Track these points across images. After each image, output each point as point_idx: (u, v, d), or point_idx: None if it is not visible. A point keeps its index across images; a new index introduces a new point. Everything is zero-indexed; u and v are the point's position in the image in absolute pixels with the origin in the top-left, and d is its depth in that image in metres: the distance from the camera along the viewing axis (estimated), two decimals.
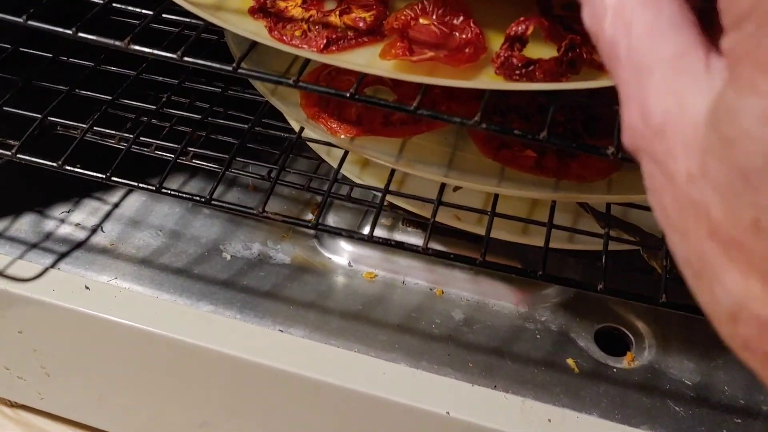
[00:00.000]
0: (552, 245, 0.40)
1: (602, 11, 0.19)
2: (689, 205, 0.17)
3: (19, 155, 0.41)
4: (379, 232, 0.54)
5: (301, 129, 0.46)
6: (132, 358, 0.52)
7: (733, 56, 0.16)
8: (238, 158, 0.44)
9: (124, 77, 0.50)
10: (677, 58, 0.18)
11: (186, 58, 0.34)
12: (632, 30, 0.18)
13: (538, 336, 0.50)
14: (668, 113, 0.17)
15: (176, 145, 0.48)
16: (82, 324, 0.50)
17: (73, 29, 0.33)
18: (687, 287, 0.18)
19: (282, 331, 0.49)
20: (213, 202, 0.39)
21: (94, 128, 0.44)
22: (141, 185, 0.40)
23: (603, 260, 0.37)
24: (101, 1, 0.35)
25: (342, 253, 0.55)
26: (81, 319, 0.50)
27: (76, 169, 0.40)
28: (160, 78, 0.50)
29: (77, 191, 0.58)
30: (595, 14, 0.19)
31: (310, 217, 0.57)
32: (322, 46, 0.34)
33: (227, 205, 0.40)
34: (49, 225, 0.56)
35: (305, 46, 0.34)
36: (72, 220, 0.56)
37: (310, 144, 0.48)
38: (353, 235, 0.38)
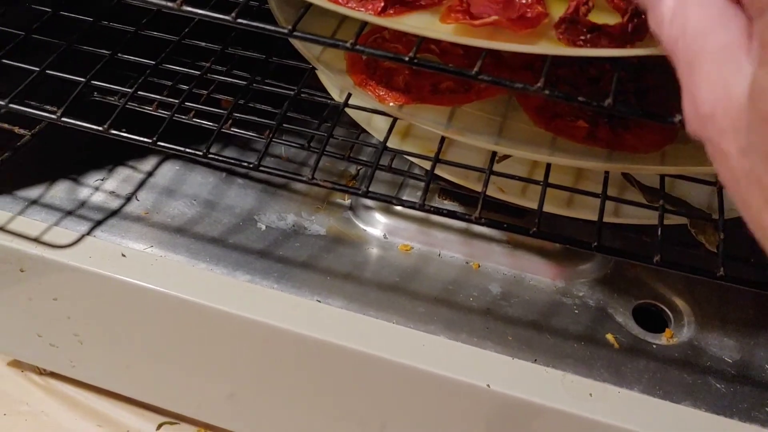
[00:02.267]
0: (594, 219, 0.39)
1: (662, 15, 0.21)
2: (744, 177, 0.19)
3: (63, 118, 0.40)
4: None
5: (348, 95, 0.45)
6: (166, 327, 0.52)
7: (761, 41, 0.19)
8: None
9: (163, 43, 0.49)
10: (722, 49, 0.20)
11: (240, 20, 0.33)
12: (686, 29, 0.21)
13: (576, 311, 0.50)
14: (716, 100, 0.19)
15: (216, 110, 0.47)
16: (118, 291, 0.50)
17: None
18: (738, 263, 0.22)
19: (320, 301, 0.48)
20: (261, 168, 0.38)
21: (134, 94, 0.44)
22: (188, 150, 0.40)
23: (659, 232, 0.36)
24: None
25: (377, 225, 0.54)
26: (117, 286, 0.50)
27: (122, 134, 0.40)
28: (203, 44, 0.50)
29: (111, 160, 0.58)
30: (657, 18, 0.22)
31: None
32: (379, 9, 0.33)
33: (277, 171, 0.39)
34: (84, 193, 0.55)
35: (362, 9, 0.33)
36: (106, 188, 0.56)
37: (351, 113, 0.47)
38: (404, 204, 0.38)
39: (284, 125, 0.43)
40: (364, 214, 0.55)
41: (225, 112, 0.46)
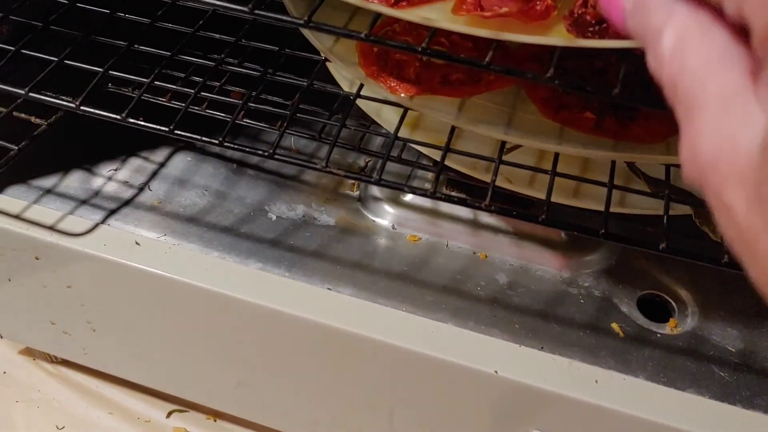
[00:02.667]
0: (600, 209, 0.40)
1: (661, 55, 0.20)
2: (752, 237, 0.17)
3: (82, 107, 0.41)
4: (423, 198, 0.55)
5: (360, 87, 0.46)
6: (178, 315, 0.53)
7: None
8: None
9: (175, 35, 0.50)
10: (726, 94, 0.18)
11: (257, 11, 0.34)
12: (685, 69, 0.19)
13: (582, 301, 0.51)
14: (720, 150, 0.18)
15: (229, 100, 0.48)
16: (132, 279, 0.51)
17: None
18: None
19: (330, 289, 0.49)
20: (276, 157, 0.39)
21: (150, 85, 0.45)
22: (204, 139, 0.40)
23: (664, 220, 0.37)
24: None
25: (385, 216, 0.55)
26: (131, 274, 0.51)
27: (139, 122, 0.40)
28: (217, 36, 0.50)
29: (123, 150, 0.59)
30: (656, 58, 0.20)
31: (352, 181, 0.58)
32: (393, 0, 0.34)
33: (292, 160, 0.40)
34: (97, 182, 0.56)
35: (375, 0, 0.34)
36: (119, 178, 0.57)
37: (362, 105, 0.48)
38: (415, 191, 0.39)
39: (296, 116, 0.44)
40: (372, 205, 0.56)
41: (237, 102, 0.46)
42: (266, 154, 0.39)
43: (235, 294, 0.48)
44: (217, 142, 0.40)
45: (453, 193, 0.56)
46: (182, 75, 0.51)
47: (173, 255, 0.51)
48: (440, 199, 0.38)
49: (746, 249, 0.18)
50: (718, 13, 0.19)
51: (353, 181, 0.58)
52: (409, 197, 0.55)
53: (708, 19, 0.19)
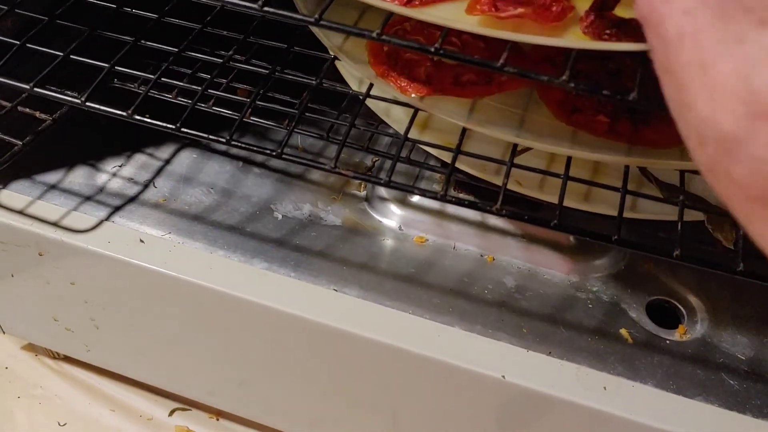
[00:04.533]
0: (612, 213, 0.40)
1: None
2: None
3: (88, 103, 0.41)
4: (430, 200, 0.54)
5: (369, 86, 0.45)
6: (182, 314, 0.53)
7: None
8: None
9: (182, 31, 0.49)
10: None
11: (266, 8, 0.33)
12: None
13: (590, 306, 0.50)
14: None
15: (236, 98, 0.48)
16: (136, 277, 0.51)
17: None
18: (753, 260, 0.22)
19: (336, 290, 0.49)
20: (284, 156, 0.39)
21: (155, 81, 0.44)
22: (212, 137, 0.40)
23: (679, 227, 0.37)
24: None
25: (392, 217, 0.54)
26: (135, 271, 0.50)
27: (146, 119, 0.40)
28: (225, 32, 0.50)
29: (128, 146, 0.58)
30: None
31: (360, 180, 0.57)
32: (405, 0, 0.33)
33: (300, 160, 0.40)
34: (102, 178, 0.56)
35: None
36: (124, 175, 0.56)
37: (371, 104, 0.48)
38: (425, 194, 0.38)
39: (304, 114, 0.44)
40: (379, 205, 0.55)
41: (245, 100, 0.46)
42: (274, 153, 0.38)
43: (240, 294, 0.48)
44: (224, 140, 0.39)
45: (461, 195, 0.55)
46: (189, 71, 0.50)
47: (178, 253, 0.50)
48: (450, 201, 0.37)
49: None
50: None
51: (360, 181, 0.57)
52: (416, 198, 0.55)
53: None
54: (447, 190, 0.37)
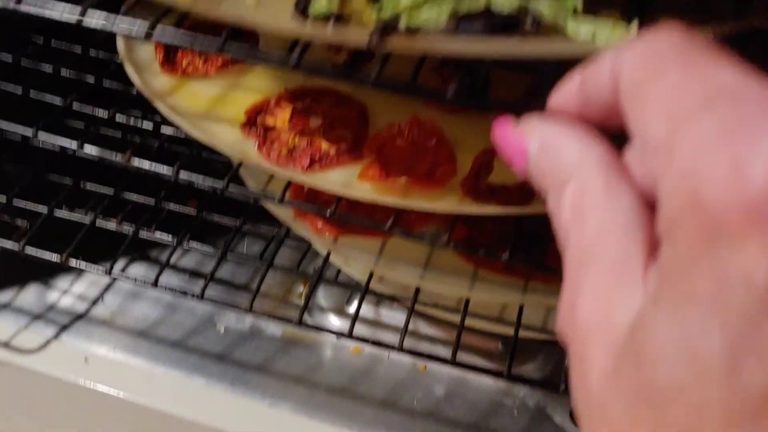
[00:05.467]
0: (526, 335, 0.43)
1: (562, 205, 0.19)
2: (597, 406, 0.17)
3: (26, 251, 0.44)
4: (366, 308, 0.57)
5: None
6: (126, 430, 0.55)
7: (663, 272, 0.16)
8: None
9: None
10: (616, 263, 0.18)
11: (181, 176, 0.37)
12: (584, 225, 0.18)
13: (516, 412, 0.53)
14: (595, 316, 0.18)
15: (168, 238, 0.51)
16: (80, 395, 0.53)
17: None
18: None
19: (270, 405, 0.51)
20: (204, 298, 0.42)
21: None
22: (138, 279, 0.43)
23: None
24: None
25: (330, 327, 0.57)
26: (79, 391, 0.52)
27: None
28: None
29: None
30: (556, 205, 0.19)
31: (300, 290, 0.60)
32: (306, 165, 0.37)
33: (216, 301, 0.43)
34: (53, 296, 0.58)
35: (291, 165, 0.37)
36: (75, 291, 0.59)
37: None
38: (338, 336, 0.41)
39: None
40: (318, 315, 0.58)
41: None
42: (195, 296, 0.42)
43: (176, 412, 0.50)
44: (104, 271, 0.43)
45: (395, 304, 0.58)
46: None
47: (119, 372, 0.53)
48: (357, 339, 0.40)
49: (589, 415, 0.18)
50: (630, 173, 0.19)
51: (301, 291, 0.60)
52: (353, 308, 0.58)
53: (617, 178, 0.19)
54: (352, 330, 0.40)
